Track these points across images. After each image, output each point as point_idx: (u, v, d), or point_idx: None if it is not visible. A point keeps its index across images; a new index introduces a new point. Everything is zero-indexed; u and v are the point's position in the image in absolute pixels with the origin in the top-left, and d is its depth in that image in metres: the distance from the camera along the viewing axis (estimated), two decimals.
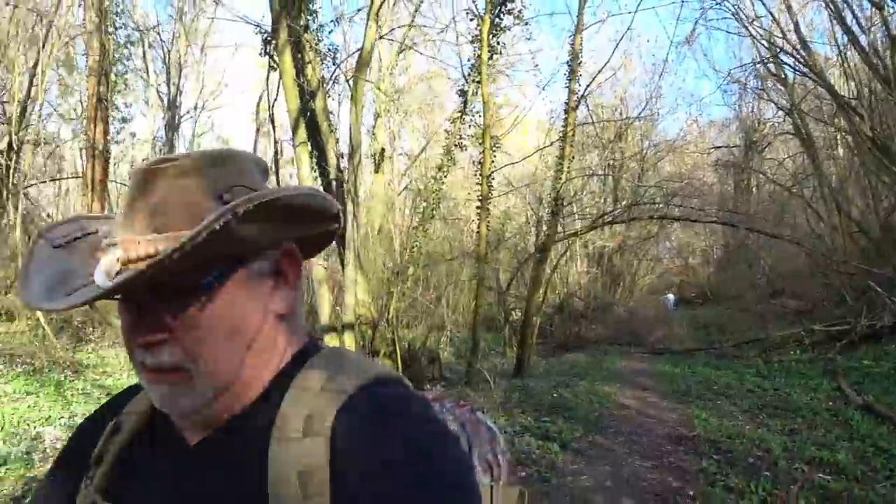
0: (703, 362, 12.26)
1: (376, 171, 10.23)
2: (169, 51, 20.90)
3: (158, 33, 20.23)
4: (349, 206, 8.00)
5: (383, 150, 10.71)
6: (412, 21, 10.50)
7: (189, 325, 0.70)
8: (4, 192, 10.84)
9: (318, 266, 8.26)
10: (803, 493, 4.24)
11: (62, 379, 8.04)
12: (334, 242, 7.94)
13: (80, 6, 13.03)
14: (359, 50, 8.46)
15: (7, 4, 11.01)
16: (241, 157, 0.77)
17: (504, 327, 14.62)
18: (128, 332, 0.73)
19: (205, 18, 21.49)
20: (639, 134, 24.98)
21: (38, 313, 8.99)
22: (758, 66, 17.76)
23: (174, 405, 0.73)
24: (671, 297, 26.76)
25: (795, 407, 7.35)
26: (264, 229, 0.70)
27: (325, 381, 0.73)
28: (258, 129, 20.10)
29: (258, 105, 12.39)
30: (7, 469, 4.70)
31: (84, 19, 12.76)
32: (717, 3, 15.43)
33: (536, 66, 17.99)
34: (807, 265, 16.31)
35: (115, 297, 0.71)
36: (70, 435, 0.95)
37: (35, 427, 5.81)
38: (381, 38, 8.92)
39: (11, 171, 10.85)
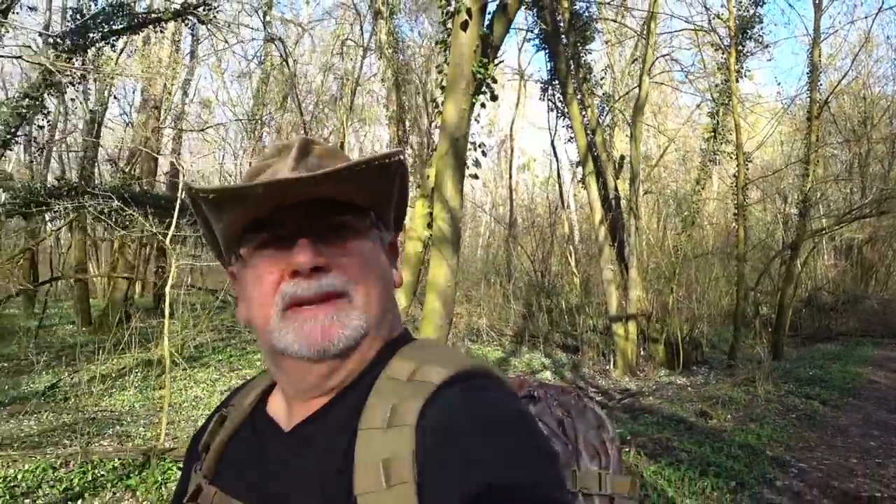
0: None
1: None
2: None
3: None
4: (631, 220, 10.53)
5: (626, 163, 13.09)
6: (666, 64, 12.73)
7: (350, 254, 0.78)
8: None
9: (607, 269, 10.90)
10: None
11: None
12: (608, 248, 10.54)
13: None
14: (629, 93, 10.98)
15: None
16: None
17: (754, 321, 16.14)
18: (296, 261, 0.75)
19: None
20: (888, 115, 24.43)
21: None
22: None
23: (332, 336, 0.75)
24: None
25: None
26: (399, 198, 0.84)
27: (412, 371, 0.76)
28: None
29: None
30: None
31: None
32: None
33: (779, 84, 18.88)
34: None
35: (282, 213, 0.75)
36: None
37: None
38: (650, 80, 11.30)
39: None
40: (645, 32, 10.15)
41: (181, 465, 1.11)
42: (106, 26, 9.57)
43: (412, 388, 0.73)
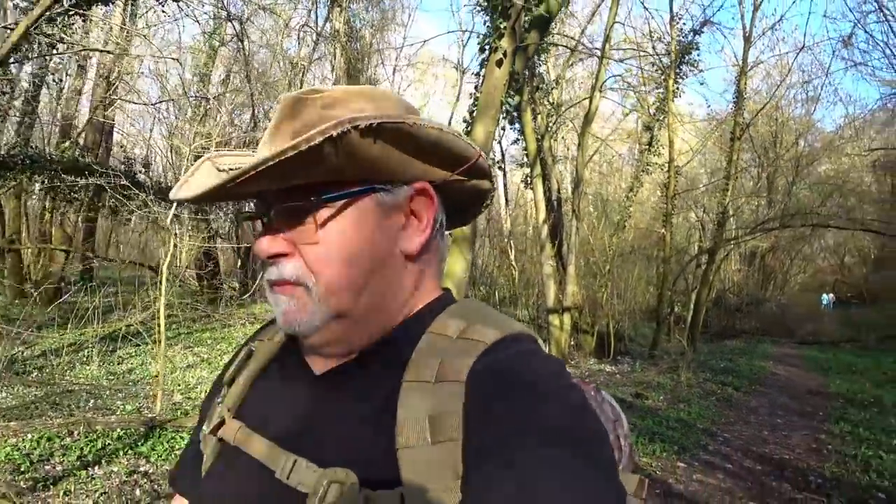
0: (847, 352, 14.99)
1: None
2: None
3: None
4: (573, 222, 11.64)
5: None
6: (597, 81, 13.92)
7: (310, 240, 0.75)
8: None
9: (547, 265, 11.98)
10: None
11: None
12: (550, 246, 11.70)
13: None
14: (578, 103, 12.07)
15: None
16: (390, 96, 0.81)
17: (668, 317, 17.75)
18: (254, 249, 0.77)
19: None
20: (794, 136, 26.84)
21: None
22: None
23: (292, 322, 0.77)
24: (827, 297, 28.42)
25: None
26: (392, 156, 0.74)
27: (462, 329, 0.76)
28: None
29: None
30: None
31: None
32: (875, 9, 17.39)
33: (709, 106, 20.54)
34: None
35: (239, 198, 0.81)
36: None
37: None
38: (601, 94, 12.43)
39: None
40: (599, 53, 11.24)
41: (184, 434, 1.01)
42: None
43: (463, 346, 0.73)
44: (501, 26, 4.25)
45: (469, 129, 5.00)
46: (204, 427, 0.88)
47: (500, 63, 4.32)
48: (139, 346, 9.48)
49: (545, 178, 12.22)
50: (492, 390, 0.67)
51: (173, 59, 12.98)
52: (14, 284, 13.98)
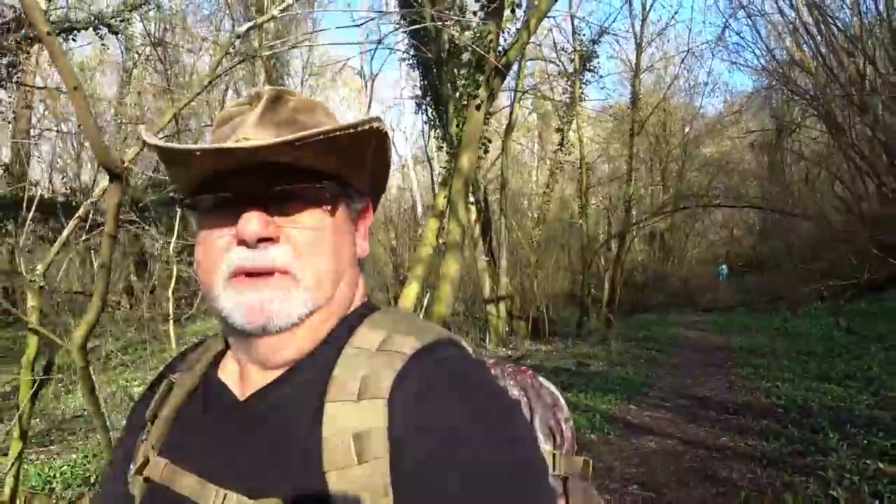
0: (742, 315, 17.35)
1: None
2: None
3: None
4: (501, 219, 13.15)
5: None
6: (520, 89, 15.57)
7: (303, 227, 0.76)
8: None
9: (481, 260, 13.45)
10: (787, 365, 9.27)
11: None
12: (482, 242, 13.20)
13: None
14: (500, 110, 13.58)
15: None
16: (335, 115, 0.87)
17: (586, 299, 19.70)
18: (241, 230, 0.73)
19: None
20: (681, 122, 29.63)
21: None
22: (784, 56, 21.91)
23: (269, 314, 0.74)
24: (723, 267, 31.38)
25: (802, 332, 12.38)
26: (367, 166, 0.82)
27: (382, 341, 0.75)
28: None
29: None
30: None
31: None
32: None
33: (611, 107, 22.63)
34: (828, 234, 20.99)
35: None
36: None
37: None
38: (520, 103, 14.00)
39: None
40: (516, 70, 12.79)
41: None
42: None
43: (383, 359, 0.72)
44: (479, 79, 5.57)
45: (454, 161, 6.28)
46: (130, 468, 0.85)
47: (478, 107, 5.60)
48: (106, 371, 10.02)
49: (475, 181, 13.66)
50: (413, 405, 0.68)
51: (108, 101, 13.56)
52: None
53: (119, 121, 15.79)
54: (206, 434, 0.81)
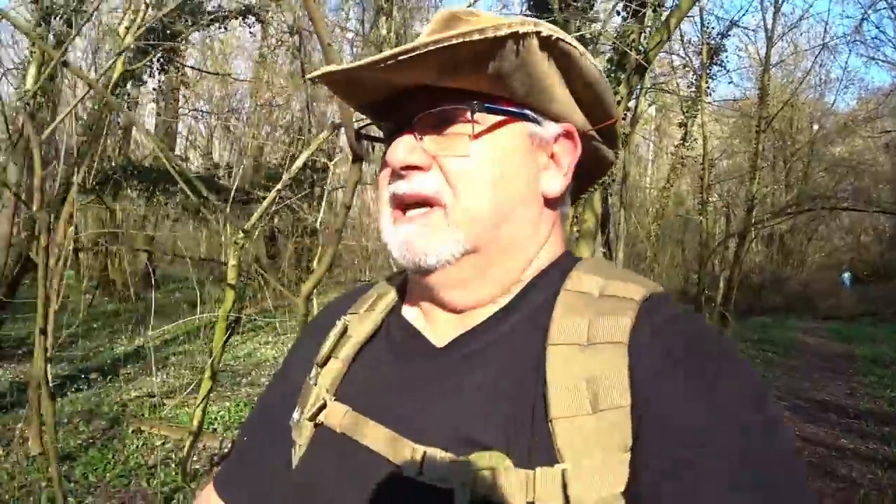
0: (867, 324, 16.70)
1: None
2: None
3: None
4: (621, 212, 13.27)
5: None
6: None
7: (458, 152, 0.71)
8: None
9: (599, 251, 13.62)
10: None
11: None
12: (600, 235, 13.36)
13: None
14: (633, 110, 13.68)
15: None
16: None
17: (700, 297, 19.43)
18: (388, 158, 0.73)
19: None
20: (809, 119, 28.31)
21: None
22: None
23: (418, 250, 0.72)
24: (847, 274, 29.88)
25: None
26: (554, 83, 0.73)
27: (602, 287, 0.71)
28: None
29: None
30: None
31: None
32: None
33: (737, 102, 22.10)
34: None
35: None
36: (289, 351, 1.00)
37: None
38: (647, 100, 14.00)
39: None
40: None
41: None
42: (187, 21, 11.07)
43: (612, 304, 0.68)
44: (620, 77, 5.86)
45: None
46: (296, 414, 0.81)
47: (618, 103, 5.91)
48: (241, 334, 10.98)
49: None
50: (661, 352, 0.63)
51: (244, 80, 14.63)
52: (102, 283, 15.58)
53: (256, 103, 16.91)
54: (396, 382, 0.76)
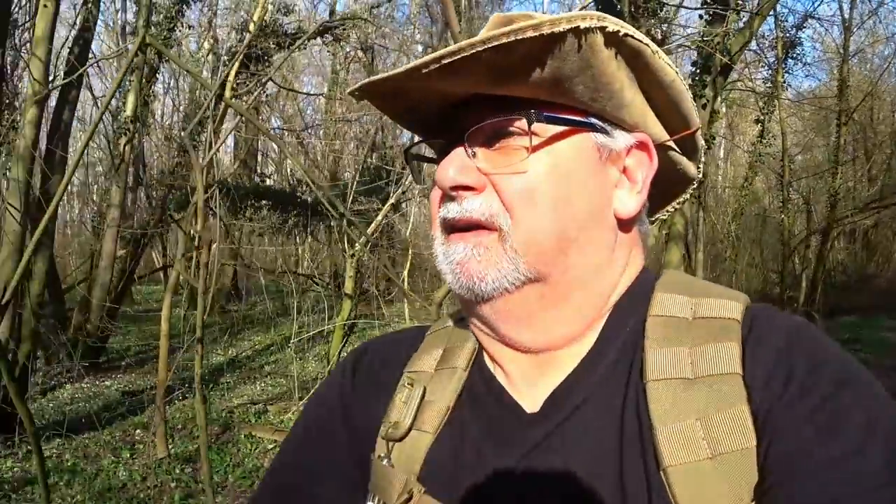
0: None
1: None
2: None
3: None
4: (699, 213, 13.16)
5: None
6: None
7: (514, 168, 0.64)
8: None
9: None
10: None
11: None
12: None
13: None
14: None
15: None
16: None
17: (782, 298, 18.99)
18: (437, 178, 0.67)
19: None
20: (890, 108, 27.20)
21: None
22: None
23: (472, 276, 0.65)
24: None
25: None
26: (624, 86, 0.65)
27: (692, 307, 0.65)
28: None
29: None
30: None
31: None
32: None
33: (814, 97, 21.67)
34: None
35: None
36: (314, 399, 0.87)
37: None
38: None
39: None
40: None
41: None
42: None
43: (711, 328, 0.62)
44: (706, 80, 5.95)
45: None
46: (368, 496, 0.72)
47: (704, 106, 5.99)
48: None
49: None
50: (783, 380, 0.57)
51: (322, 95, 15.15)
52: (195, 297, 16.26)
53: (330, 118, 17.46)
54: (491, 464, 0.66)
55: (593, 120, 0.67)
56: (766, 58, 14.54)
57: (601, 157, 0.68)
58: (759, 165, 14.82)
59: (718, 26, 5.92)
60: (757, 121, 15.11)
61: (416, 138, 0.79)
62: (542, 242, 0.65)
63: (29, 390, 6.55)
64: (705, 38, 5.81)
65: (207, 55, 14.57)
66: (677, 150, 0.76)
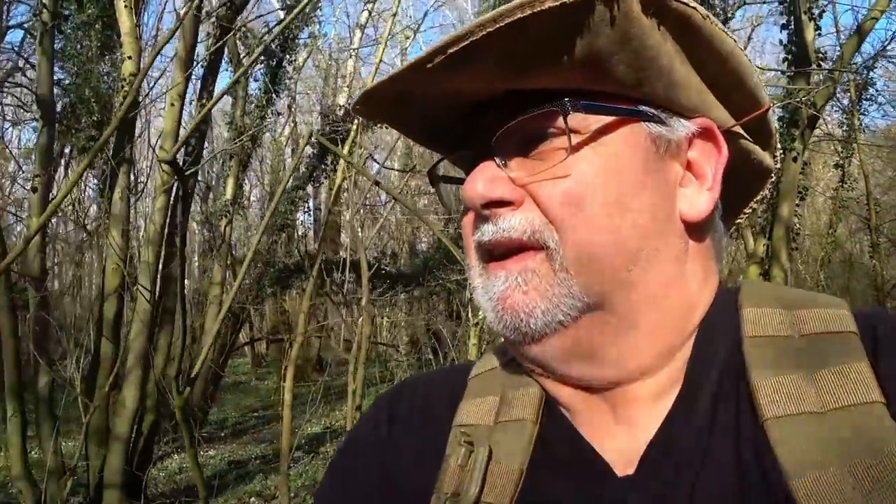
0: None
1: None
2: None
3: None
4: (787, 263, 12.97)
5: None
6: None
7: (554, 172, 0.53)
8: None
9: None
10: None
11: None
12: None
13: None
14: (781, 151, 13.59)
15: None
16: None
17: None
18: (463, 195, 0.57)
19: None
20: None
21: None
22: None
23: (518, 311, 0.54)
24: None
25: None
26: (673, 61, 0.53)
27: (791, 322, 0.54)
28: None
29: None
30: None
31: None
32: None
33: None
34: None
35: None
36: (344, 452, 0.74)
37: None
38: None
39: None
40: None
41: None
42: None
43: (825, 346, 0.52)
44: (794, 133, 6.09)
45: (773, 210, 6.80)
46: None
47: (795, 159, 6.11)
48: None
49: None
50: None
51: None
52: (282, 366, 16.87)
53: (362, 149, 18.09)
54: None
55: (643, 107, 0.56)
56: (839, 102, 14.45)
57: (658, 150, 0.56)
58: (842, 211, 14.57)
59: (801, 81, 6.06)
60: (836, 165, 14.95)
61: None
62: (597, 257, 0.53)
63: (153, 459, 6.94)
64: (791, 94, 5.94)
65: (287, 140, 15.44)
66: (747, 136, 0.63)
